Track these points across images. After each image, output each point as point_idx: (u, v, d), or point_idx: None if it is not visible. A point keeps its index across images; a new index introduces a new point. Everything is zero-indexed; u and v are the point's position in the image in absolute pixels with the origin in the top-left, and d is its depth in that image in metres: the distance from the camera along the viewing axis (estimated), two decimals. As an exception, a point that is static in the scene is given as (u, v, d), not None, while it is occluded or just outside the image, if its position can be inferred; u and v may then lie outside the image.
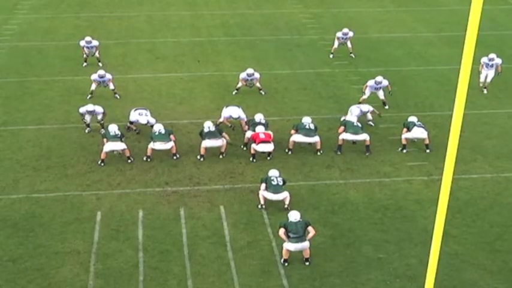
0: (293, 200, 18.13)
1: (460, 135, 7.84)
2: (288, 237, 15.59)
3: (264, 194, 18.01)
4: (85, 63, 27.74)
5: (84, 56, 27.74)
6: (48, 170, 19.80)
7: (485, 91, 25.29)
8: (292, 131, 20.92)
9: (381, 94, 23.62)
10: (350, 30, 29.16)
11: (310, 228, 15.80)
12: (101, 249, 16.23)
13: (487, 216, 17.88)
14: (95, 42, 27.72)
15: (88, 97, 24.40)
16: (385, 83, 23.62)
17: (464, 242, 16.71)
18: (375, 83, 23.47)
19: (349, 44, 29.03)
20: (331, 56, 29.25)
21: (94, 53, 27.70)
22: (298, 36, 32.22)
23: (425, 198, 18.44)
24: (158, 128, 20.70)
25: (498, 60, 25.40)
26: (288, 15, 35.58)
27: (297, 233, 15.55)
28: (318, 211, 17.94)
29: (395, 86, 23.64)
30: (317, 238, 16.64)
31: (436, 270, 9.17)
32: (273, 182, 17.94)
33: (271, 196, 17.92)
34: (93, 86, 24.54)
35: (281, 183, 17.99)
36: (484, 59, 25.27)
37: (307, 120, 21.12)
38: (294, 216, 15.92)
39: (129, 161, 20.26)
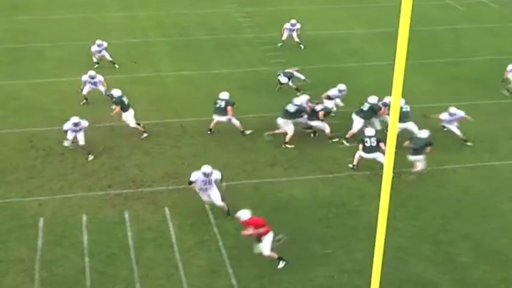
0: (237, 199, 18.24)
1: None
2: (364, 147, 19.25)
3: (360, 153, 19.83)
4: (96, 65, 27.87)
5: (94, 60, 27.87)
6: (-13, 177, 19.40)
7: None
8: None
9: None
10: (298, 22, 30.03)
11: (382, 144, 19.21)
12: (46, 256, 15.94)
13: (429, 208, 18.31)
14: (105, 44, 27.85)
15: (82, 103, 23.94)
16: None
17: (409, 234, 17.06)
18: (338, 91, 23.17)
19: (295, 37, 30.07)
20: (279, 44, 30.43)
21: (103, 56, 27.82)
22: (234, 35, 32.34)
23: (369, 193, 18.76)
24: (219, 102, 21.85)
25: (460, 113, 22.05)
26: (223, 15, 35.65)
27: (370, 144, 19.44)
28: (262, 209, 18.03)
29: (335, 82, 23.92)
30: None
31: (382, 264, 9.38)
32: (366, 144, 19.58)
33: (366, 155, 19.72)
34: (85, 90, 23.99)
35: (374, 143, 19.54)
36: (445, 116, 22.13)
37: None
38: (370, 131, 19.70)
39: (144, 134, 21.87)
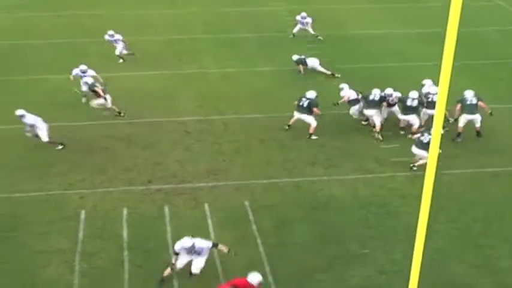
0: (277, 196, 18.22)
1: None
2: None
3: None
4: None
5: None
6: (30, 170, 19.68)
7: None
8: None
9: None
10: (308, 16, 30.68)
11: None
12: (86, 248, 16.14)
13: (470, 211, 18.02)
14: (117, 36, 28.33)
15: (83, 101, 24.06)
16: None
17: (448, 237, 16.81)
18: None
19: (310, 30, 30.63)
20: (291, 36, 31.28)
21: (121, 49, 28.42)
22: (279, 33, 32.28)
23: (409, 194, 18.53)
24: (303, 100, 21.73)
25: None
26: (269, 13, 35.63)
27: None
28: (302, 208, 17.97)
29: (375, 82, 23.70)
30: (302, 235, 16.74)
31: (421, 266, 9.24)
32: (467, 102, 21.04)
33: (467, 117, 20.95)
34: (84, 87, 23.82)
35: (474, 102, 20.92)
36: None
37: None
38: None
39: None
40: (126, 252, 16.01)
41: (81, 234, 16.69)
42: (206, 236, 16.65)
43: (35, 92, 25.30)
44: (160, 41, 31.07)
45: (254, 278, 13.86)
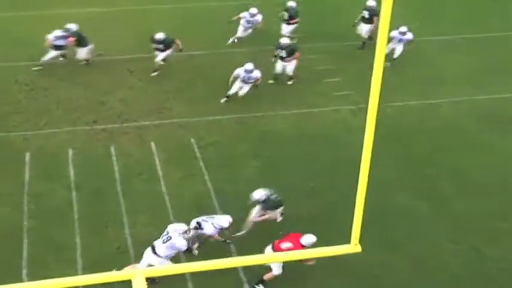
0: (222, 133, 18.41)
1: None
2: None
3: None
4: None
5: None
6: (-29, 112, 19.33)
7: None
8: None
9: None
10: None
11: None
12: (33, 190, 16.06)
13: (413, 142, 18.53)
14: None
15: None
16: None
17: (393, 167, 17.32)
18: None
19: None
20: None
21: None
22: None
23: (354, 127, 18.90)
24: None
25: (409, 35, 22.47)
26: None
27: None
28: (248, 144, 18.19)
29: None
30: (249, 170, 17.03)
31: (366, 196, 9.56)
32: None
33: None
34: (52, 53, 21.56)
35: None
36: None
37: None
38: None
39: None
40: (74, 193, 16.02)
41: (27, 176, 16.58)
42: (154, 173, 16.80)
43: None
44: None
45: (309, 239, 13.30)
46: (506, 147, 18.54)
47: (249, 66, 19.70)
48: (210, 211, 15.15)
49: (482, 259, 14.69)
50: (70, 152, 17.61)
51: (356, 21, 23.93)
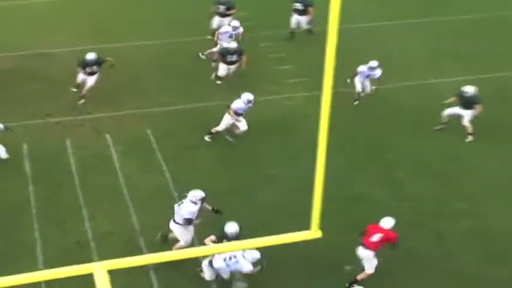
0: (178, 123, 18.38)
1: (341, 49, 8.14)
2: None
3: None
4: None
5: None
6: None
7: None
8: None
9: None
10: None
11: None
12: (-12, 186, 15.93)
13: (370, 127, 18.77)
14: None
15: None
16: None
17: (351, 153, 17.56)
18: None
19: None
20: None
21: None
22: None
23: (309, 113, 19.00)
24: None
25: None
26: None
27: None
28: (204, 133, 18.18)
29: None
30: (207, 159, 17.20)
31: (325, 181, 9.70)
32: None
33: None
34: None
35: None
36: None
37: None
38: None
39: None
40: (31, 187, 15.90)
41: (-18, 172, 16.40)
42: (111, 165, 16.73)
43: None
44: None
45: (387, 222, 13.40)
46: (461, 129, 18.77)
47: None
48: (169, 201, 15.17)
49: (442, 239, 14.95)
50: (25, 146, 17.42)
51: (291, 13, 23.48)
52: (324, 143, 8.37)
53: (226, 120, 17.63)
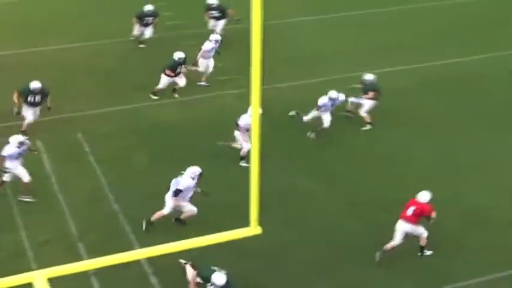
0: (110, 125, 18.23)
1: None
2: None
3: None
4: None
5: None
6: None
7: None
8: None
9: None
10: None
11: None
12: None
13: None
14: None
15: None
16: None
17: (283, 147, 17.77)
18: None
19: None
20: None
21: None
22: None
23: (241, 111, 19.07)
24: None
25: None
26: None
27: None
28: (138, 134, 18.09)
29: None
30: (141, 160, 17.16)
31: (259, 180, 9.81)
32: None
33: None
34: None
35: None
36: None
37: None
38: None
39: None
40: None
41: None
42: (43, 171, 16.43)
43: None
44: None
45: (424, 196, 13.96)
46: (395, 121, 19.14)
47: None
48: (105, 204, 15.09)
49: (379, 228, 15.11)
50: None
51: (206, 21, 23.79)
52: (257, 140, 8.52)
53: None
